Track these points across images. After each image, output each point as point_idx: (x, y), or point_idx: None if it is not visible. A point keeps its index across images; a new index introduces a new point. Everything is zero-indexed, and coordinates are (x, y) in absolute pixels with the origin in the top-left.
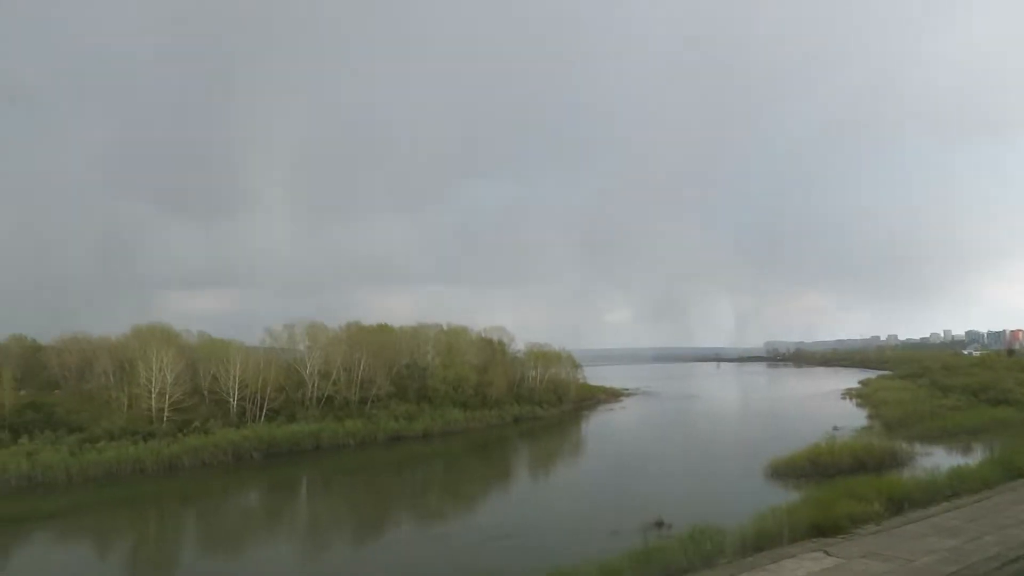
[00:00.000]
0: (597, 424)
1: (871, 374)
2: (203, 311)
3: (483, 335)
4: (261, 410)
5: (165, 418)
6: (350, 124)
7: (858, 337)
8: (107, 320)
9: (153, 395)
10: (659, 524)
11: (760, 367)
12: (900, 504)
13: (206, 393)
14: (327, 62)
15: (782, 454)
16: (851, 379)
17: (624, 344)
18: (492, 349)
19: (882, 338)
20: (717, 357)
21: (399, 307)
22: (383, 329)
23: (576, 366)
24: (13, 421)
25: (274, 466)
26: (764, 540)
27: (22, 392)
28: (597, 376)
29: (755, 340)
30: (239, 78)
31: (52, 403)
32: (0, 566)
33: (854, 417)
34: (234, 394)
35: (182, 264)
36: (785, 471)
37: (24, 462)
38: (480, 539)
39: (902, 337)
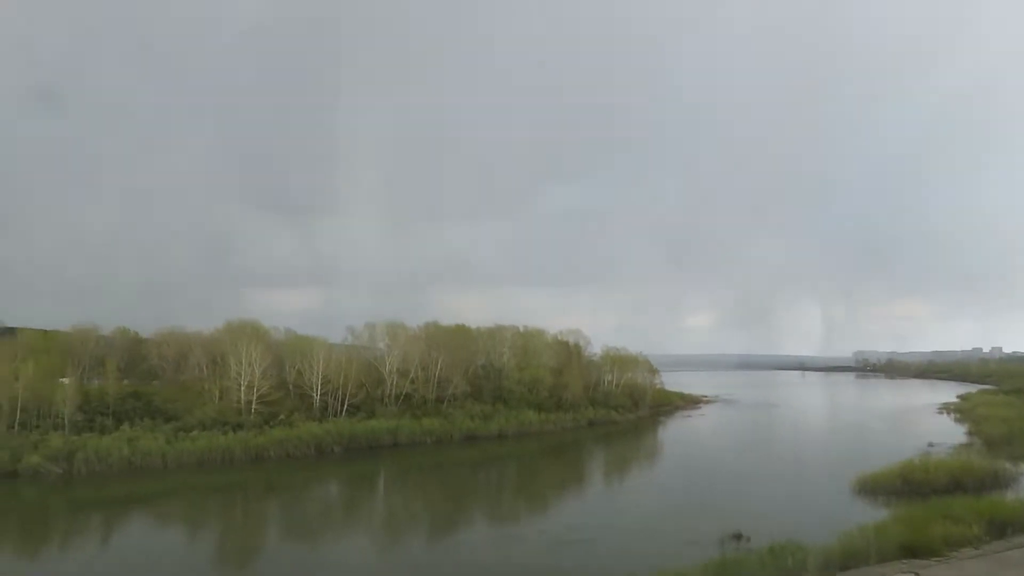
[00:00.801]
0: (674, 431)
1: (971, 388)
2: (290, 308)
3: (559, 337)
4: (342, 405)
5: (253, 410)
6: (439, 127)
7: (958, 348)
8: (202, 315)
9: (242, 388)
10: (737, 536)
11: (848, 377)
12: (1002, 528)
13: (291, 387)
14: (417, 65)
15: (871, 469)
16: (949, 393)
17: (705, 350)
18: (568, 352)
19: (985, 350)
20: (802, 366)
21: (477, 308)
22: (460, 329)
23: (653, 371)
24: (116, 409)
25: (353, 460)
26: (850, 559)
27: (125, 382)
28: (675, 382)
29: (843, 349)
30: (331, 82)
31: (151, 393)
32: (105, 543)
33: (951, 433)
34: (317, 389)
35: (273, 263)
36: (874, 488)
37: (125, 448)
38: (553, 541)
39: (1008, 349)
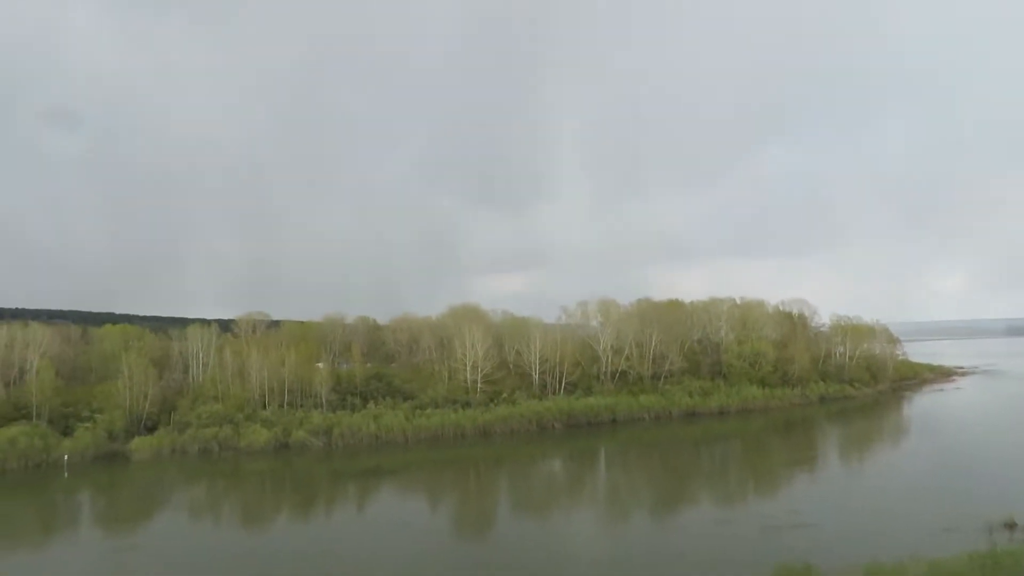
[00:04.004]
0: (922, 407)
1: None
2: (507, 291)
3: (781, 308)
4: (560, 383)
5: (479, 389)
6: (636, 100)
7: None
8: (430, 301)
9: (467, 368)
10: (1010, 525)
11: None
12: None
13: (511, 367)
14: (609, 37)
15: None
16: None
17: (959, 316)
18: (792, 323)
19: None
20: None
21: (689, 282)
22: (674, 304)
23: (894, 341)
24: (363, 389)
25: (573, 437)
26: None
27: (368, 364)
28: (922, 352)
29: None
30: (532, 75)
31: (390, 374)
32: (361, 508)
33: None
34: (535, 368)
35: (489, 249)
36: None
37: (372, 424)
38: (783, 524)
39: None
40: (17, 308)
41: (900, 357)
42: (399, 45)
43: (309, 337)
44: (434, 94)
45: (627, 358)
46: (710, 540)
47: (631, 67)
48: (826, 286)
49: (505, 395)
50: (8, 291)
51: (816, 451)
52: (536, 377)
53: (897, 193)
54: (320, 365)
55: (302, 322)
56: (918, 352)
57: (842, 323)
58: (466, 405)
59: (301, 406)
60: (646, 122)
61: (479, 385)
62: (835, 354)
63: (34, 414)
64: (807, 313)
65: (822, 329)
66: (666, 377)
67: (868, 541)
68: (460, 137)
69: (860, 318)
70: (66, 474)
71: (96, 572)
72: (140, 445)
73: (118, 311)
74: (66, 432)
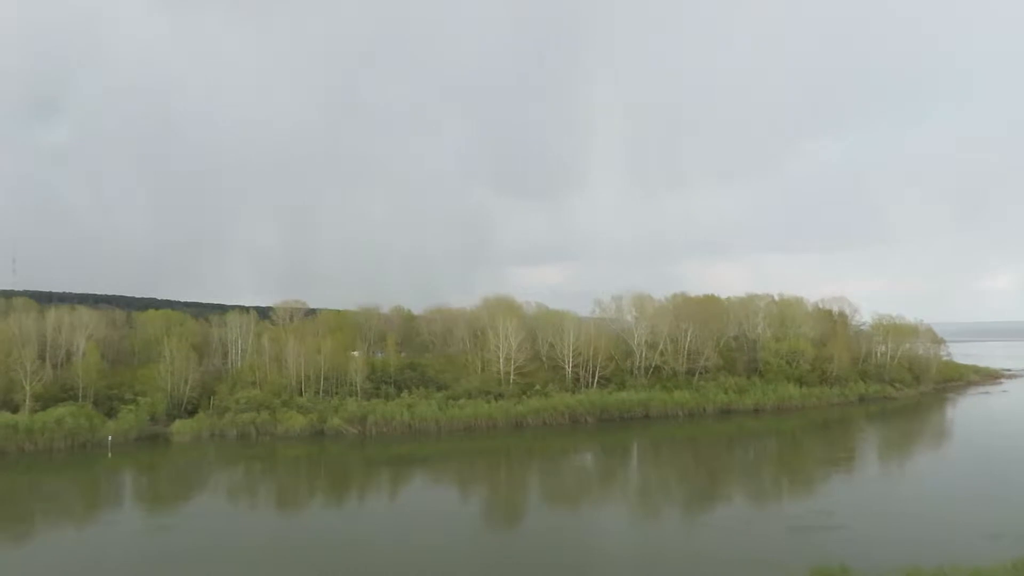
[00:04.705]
0: (967, 409)
1: None
2: (540, 283)
3: (820, 306)
4: (593, 377)
5: (511, 381)
6: (676, 95)
7: None
8: (463, 292)
9: (501, 359)
10: None
11: None
12: None
13: (544, 359)
14: (649, 31)
15: None
16: None
17: (1010, 316)
18: (831, 321)
19: None
20: None
21: (725, 277)
22: (710, 300)
23: (938, 341)
24: (397, 378)
25: (606, 431)
26: None
27: (402, 354)
28: (968, 354)
29: None
30: (567, 61)
31: (424, 364)
32: (394, 495)
33: None
34: (568, 361)
35: (524, 242)
36: None
37: (406, 413)
38: (817, 525)
39: None
40: (64, 292)
41: (944, 358)
42: (438, 37)
43: (345, 326)
44: (472, 86)
45: (661, 353)
46: (742, 539)
47: (671, 62)
48: (867, 284)
49: (538, 387)
50: (56, 276)
51: (853, 452)
52: (569, 370)
53: (945, 191)
54: (355, 354)
55: (338, 311)
56: (964, 353)
57: (884, 322)
58: (499, 396)
59: (336, 394)
60: (685, 117)
61: (512, 377)
62: (876, 353)
63: (80, 395)
64: (847, 311)
65: (863, 328)
66: (701, 373)
67: (906, 546)
68: (498, 129)
69: (903, 317)
70: (110, 454)
71: (135, 549)
72: (180, 428)
73: (160, 297)
74: (110, 413)
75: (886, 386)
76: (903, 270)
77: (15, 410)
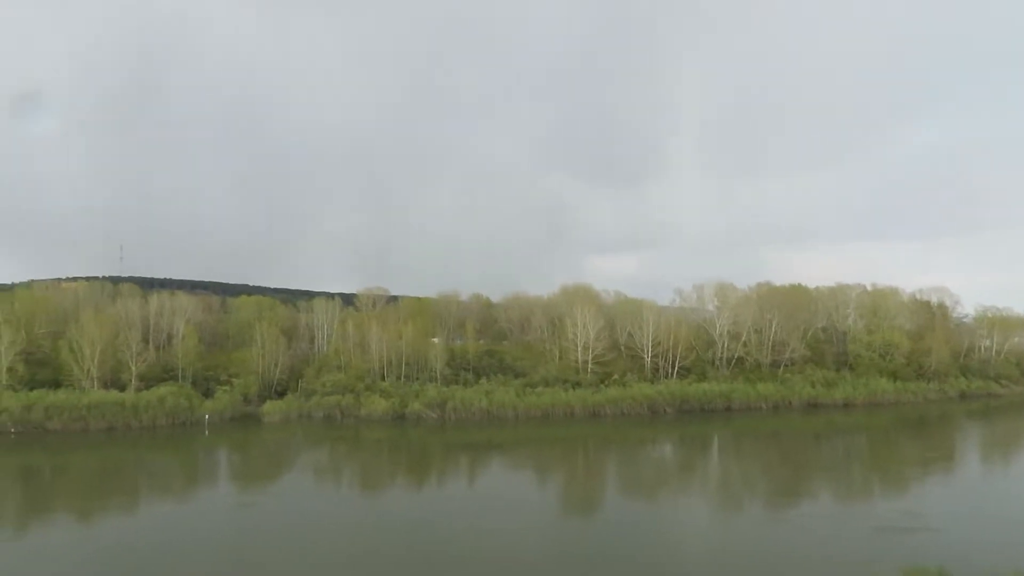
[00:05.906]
0: None
1: None
2: (620, 272)
3: (917, 297)
4: (673, 367)
5: (589, 370)
6: (760, 79)
7: None
8: (541, 280)
9: (578, 348)
10: None
11: None
12: None
13: (623, 349)
14: (731, 18)
15: None
16: None
17: None
18: (930, 312)
19: None
20: None
21: (810, 266)
22: (796, 290)
23: None
24: (475, 365)
25: (685, 422)
26: None
27: (481, 341)
28: None
29: None
30: (647, 47)
31: (502, 351)
32: (471, 480)
33: None
34: (648, 351)
35: (603, 229)
36: None
37: (484, 399)
38: (909, 525)
39: None
40: (165, 278)
41: None
42: (518, 21)
43: (425, 312)
44: (551, 72)
45: (744, 344)
46: (827, 538)
47: (754, 47)
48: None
49: (616, 377)
50: (157, 263)
51: (951, 451)
52: (648, 360)
53: None
54: (435, 340)
55: (419, 298)
56: None
57: (989, 314)
58: (576, 385)
59: (417, 379)
60: (768, 102)
61: (590, 366)
62: (979, 348)
63: (180, 376)
64: (948, 302)
65: (964, 320)
66: (786, 365)
67: (1006, 551)
68: (576, 115)
69: (1011, 309)
70: (207, 432)
71: (229, 523)
72: (271, 409)
73: (251, 283)
74: (207, 393)
75: (990, 382)
76: (1012, 260)
77: (122, 389)
